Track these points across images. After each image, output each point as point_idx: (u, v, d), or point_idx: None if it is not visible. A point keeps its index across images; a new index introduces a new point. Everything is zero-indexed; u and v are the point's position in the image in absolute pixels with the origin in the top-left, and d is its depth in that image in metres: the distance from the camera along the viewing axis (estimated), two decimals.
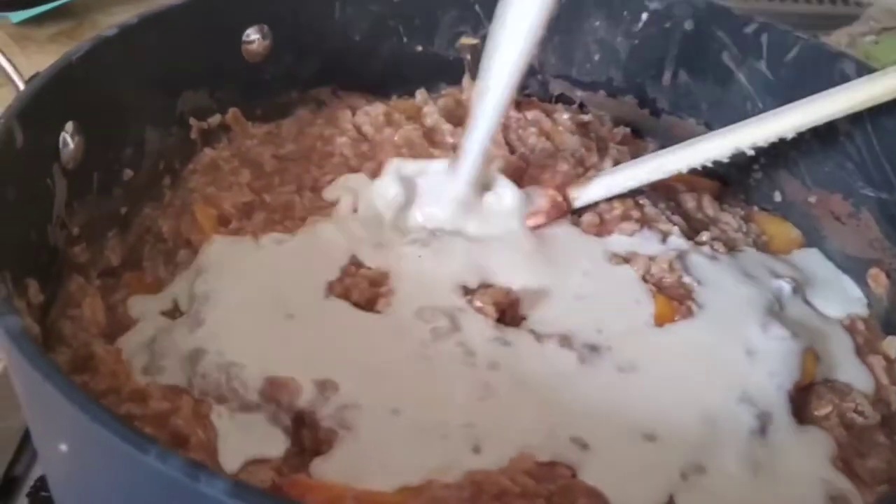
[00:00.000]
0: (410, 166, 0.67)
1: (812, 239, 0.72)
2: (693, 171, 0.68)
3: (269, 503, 0.36)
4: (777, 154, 0.72)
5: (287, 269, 0.59)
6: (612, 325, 0.59)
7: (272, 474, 0.48)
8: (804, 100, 0.63)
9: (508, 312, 0.59)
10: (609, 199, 0.68)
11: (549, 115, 0.77)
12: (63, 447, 0.38)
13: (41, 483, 0.61)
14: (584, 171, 0.71)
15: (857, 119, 0.65)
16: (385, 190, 0.64)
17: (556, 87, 0.81)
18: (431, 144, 0.72)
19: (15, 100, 0.53)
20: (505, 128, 0.74)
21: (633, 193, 0.69)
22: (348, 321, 0.56)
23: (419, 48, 0.79)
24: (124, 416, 0.49)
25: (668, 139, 0.75)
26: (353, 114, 0.74)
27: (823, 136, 0.68)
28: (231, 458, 0.48)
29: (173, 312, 0.58)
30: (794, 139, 0.65)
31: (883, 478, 0.55)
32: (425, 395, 0.52)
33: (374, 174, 0.67)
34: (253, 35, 0.71)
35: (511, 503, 0.46)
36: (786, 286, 0.65)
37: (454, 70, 0.80)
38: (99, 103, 0.59)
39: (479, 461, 0.49)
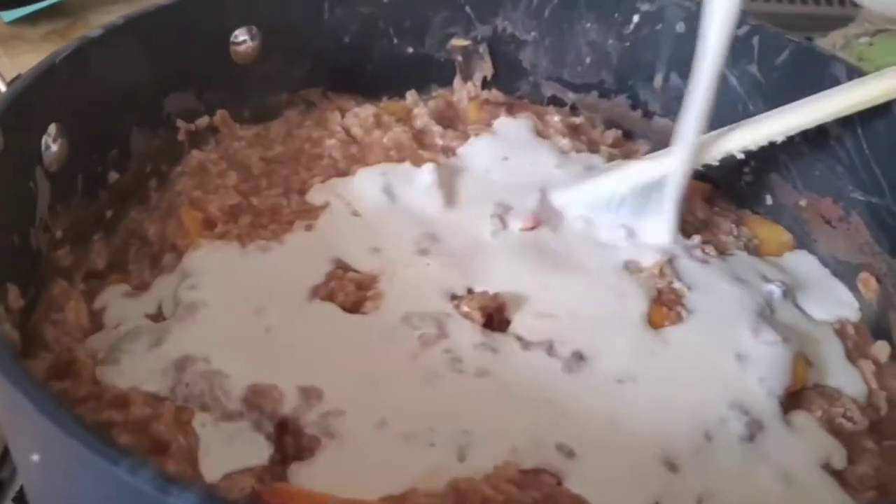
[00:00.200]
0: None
1: (803, 243, 0.72)
2: None
3: None
4: (768, 157, 0.71)
5: (273, 275, 0.59)
6: (600, 330, 0.58)
7: (253, 482, 0.47)
8: (793, 104, 0.63)
9: (496, 317, 0.58)
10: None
11: (540, 117, 0.77)
12: (35, 457, 0.37)
13: None
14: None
15: (847, 122, 0.65)
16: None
17: (548, 89, 0.81)
18: (421, 146, 0.72)
19: None
20: None
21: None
22: (334, 326, 0.56)
23: (410, 49, 0.78)
24: (104, 423, 0.49)
25: (659, 141, 0.75)
26: (343, 116, 0.74)
27: (814, 139, 0.68)
28: (213, 467, 0.48)
29: (157, 317, 0.57)
30: (784, 142, 0.65)
31: (871, 484, 0.54)
32: (412, 402, 0.52)
33: None
34: (241, 36, 0.70)
35: None
36: (776, 290, 0.64)
37: (445, 71, 0.80)
38: (83, 105, 0.59)
39: (464, 469, 0.49)
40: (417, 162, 0.69)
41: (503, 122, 0.75)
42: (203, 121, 0.70)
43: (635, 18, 0.75)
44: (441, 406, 0.52)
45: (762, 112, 0.67)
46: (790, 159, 0.71)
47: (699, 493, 0.51)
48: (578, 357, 0.56)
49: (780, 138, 0.64)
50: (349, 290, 0.58)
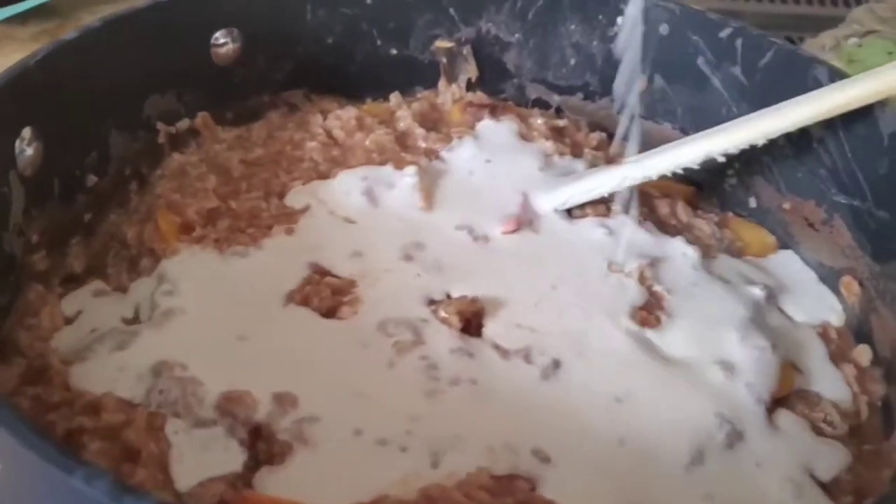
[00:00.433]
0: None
1: (786, 246, 0.71)
2: (667, 177, 0.68)
3: None
4: (752, 160, 0.71)
5: (250, 280, 0.58)
6: (579, 335, 0.58)
7: (225, 488, 0.47)
8: (775, 106, 0.63)
9: (474, 321, 0.58)
10: (581, 205, 0.68)
11: (524, 119, 0.76)
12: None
13: None
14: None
15: (829, 125, 0.65)
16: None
17: (533, 91, 0.80)
18: (403, 149, 0.71)
19: None
20: None
21: (605, 199, 0.68)
22: (309, 332, 0.55)
23: (393, 51, 0.78)
24: (75, 430, 0.48)
25: (644, 144, 0.74)
26: (325, 118, 0.73)
27: (797, 142, 0.67)
28: (186, 474, 0.47)
29: (133, 321, 0.57)
30: (768, 145, 0.65)
31: (848, 489, 0.54)
32: (386, 408, 0.51)
33: None
34: (222, 38, 0.70)
35: None
36: (760, 293, 0.64)
37: (429, 73, 0.79)
38: (59, 108, 0.59)
39: (436, 475, 0.48)
40: (400, 164, 0.68)
41: (486, 125, 0.74)
42: (184, 123, 0.70)
43: (619, 20, 0.75)
44: (416, 412, 0.51)
45: (745, 114, 0.67)
46: (774, 162, 0.71)
47: (678, 499, 0.51)
48: (556, 364, 0.55)
49: (761, 141, 0.63)
50: (324, 295, 0.57)
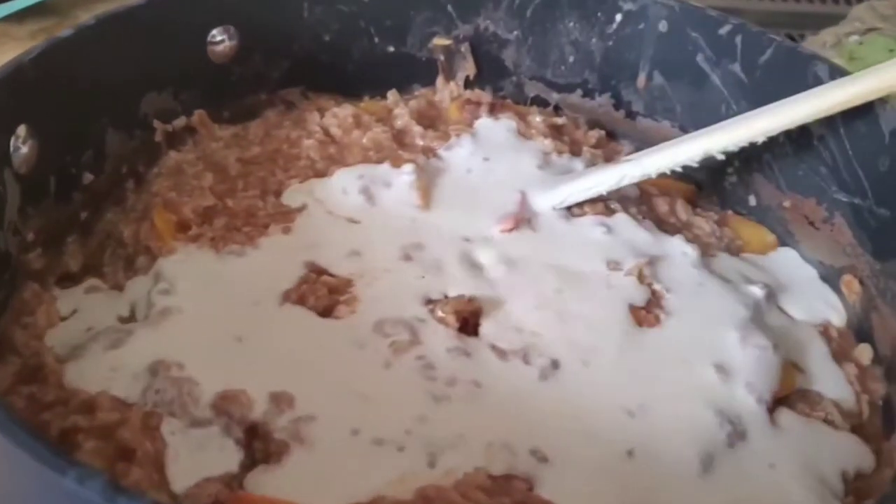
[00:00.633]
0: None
1: (786, 245, 0.71)
2: (666, 175, 0.67)
3: None
4: (752, 157, 0.71)
5: (247, 279, 0.58)
6: (577, 334, 0.58)
7: (221, 488, 0.46)
8: (774, 104, 0.62)
9: (471, 321, 0.57)
10: (580, 204, 0.67)
11: (522, 117, 0.76)
12: None
13: None
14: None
15: (830, 123, 0.64)
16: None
17: (532, 89, 0.80)
18: (401, 147, 0.71)
19: None
20: None
21: (604, 197, 0.67)
22: (306, 331, 0.55)
23: (391, 49, 0.77)
24: (70, 429, 0.48)
25: (643, 142, 0.74)
26: (322, 116, 0.73)
27: (797, 139, 0.67)
28: (183, 474, 0.47)
29: (129, 320, 0.57)
30: (768, 143, 0.64)
31: (849, 489, 0.54)
32: (383, 408, 0.51)
33: None
34: (219, 36, 0.70)
35: None
36: (760, 292, 0.64)
37: (427, 71, 0.79)
38: (55, 106, 0.58)
39: (434, 475, 0.48)
40: (397, 163, 0.68)
41: (485, 123, 0.74)
42: (180, 121, 0.70)
43: (618, 17, 0.75)
44: (413, 412, 0.51)
45: (745, 112, 0.66)
46: (774, 159, 0.70)
47: (678, 498, 0.50)
48: (555, 365, 0.55)
49: (760, 139, 0.63)
50: (320, 294, 0.57)
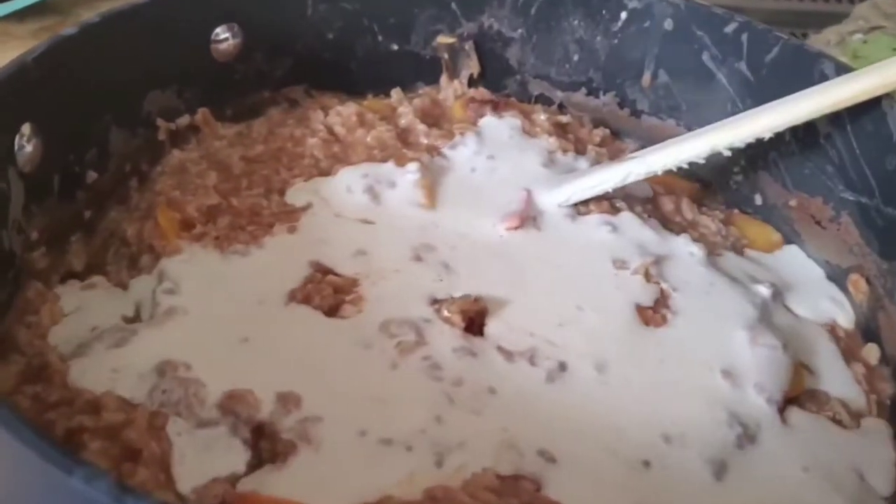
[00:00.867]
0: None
1: (792, 244, 0.71)
2: (672, 173, 0.67)
3: None
4: (757, 156, 0.70)
5: (252, 279, 0.58)
6: (584, 333, 0.57)
7: (226, 487, 0.46)
8: (780, 100, 0.62)
9: (476, 321, 0.57)
10: (585, 202, 0.67)
11: (527, 115, 0.76)
12: None
13: None
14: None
15: (836, 120, 0.64)
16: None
17: (536, 88, 0.80)
18: (405, 145, 0.71)
19: None
20: None
21: (610, 195, 0.67)
22: (312, 330, 0.55)
23: (395, 47, 0.77)
24: (75, 429, 0.48)
25: (648, 141, 0.74)
26: (326, 114, 0.72)
27: (803, 138, 0.67)
28: (189, 474, 0.47)
29: (134, 319, 0.56)
30: (774, 141, 0.64)
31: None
32: (390, 408, 0.51)
33: None
34: (223, 34, 0.69)
35: None
36: (766, 291, 0.63)
37: (431, 69, 0.79)
38: (58, 105, 0.58)
39: (441, 475, 0.48)
40: (401, 161, 0.68)
41: (489, 122, 0.74)
42: (184, 120, 0.69)
43: (623, 15, 0.74)
44: (420, 412, 0.51)
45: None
46: (780, 158, 0.70)
47: (686, 500, 0.50)
48: (562, 367, 0.55)
49: (767, 135, 0.63)
50: (326, 294, 0.57)
